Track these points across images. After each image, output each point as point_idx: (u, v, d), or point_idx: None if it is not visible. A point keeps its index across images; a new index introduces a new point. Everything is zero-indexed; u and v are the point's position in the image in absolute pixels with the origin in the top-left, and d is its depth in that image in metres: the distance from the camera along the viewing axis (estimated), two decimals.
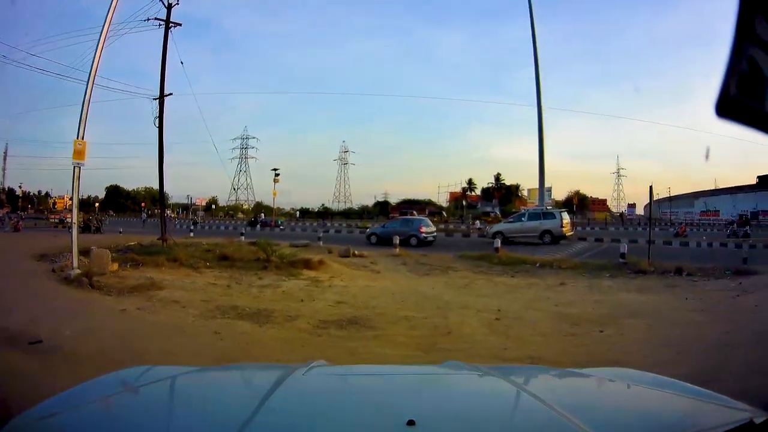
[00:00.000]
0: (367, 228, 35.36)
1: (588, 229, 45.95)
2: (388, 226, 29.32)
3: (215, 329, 8.02)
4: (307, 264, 14.71)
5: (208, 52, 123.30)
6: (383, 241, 25.53)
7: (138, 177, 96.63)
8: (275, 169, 51.25)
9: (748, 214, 65.40)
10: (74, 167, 12.62)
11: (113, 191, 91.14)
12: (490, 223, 61.89)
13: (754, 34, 1.02)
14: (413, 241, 25.85)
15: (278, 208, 78.84)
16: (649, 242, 17.91)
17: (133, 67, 79.74)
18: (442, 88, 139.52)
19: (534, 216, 28.03)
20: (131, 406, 1.69)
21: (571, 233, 28.44)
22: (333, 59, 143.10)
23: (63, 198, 73.67)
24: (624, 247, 17.88)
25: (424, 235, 26.76)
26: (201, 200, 73.74)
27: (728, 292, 12.22)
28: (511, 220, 29.99)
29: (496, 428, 1.47)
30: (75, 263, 12.52)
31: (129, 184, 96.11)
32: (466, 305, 10.55)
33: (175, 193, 76.38)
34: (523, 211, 31.00)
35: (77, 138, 12.77)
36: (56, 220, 41.49)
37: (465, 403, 1.70)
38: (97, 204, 76.14)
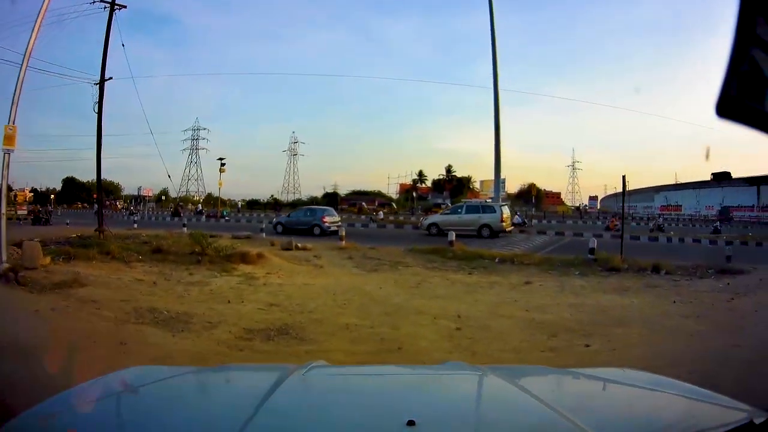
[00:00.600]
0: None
1: (545, 222, 45.03)
2: (293, 216, 29.69)
3: (123, 338, 6.95)
4: (244, 258, 13.47)
5: (161, 43, 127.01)
6: (289, 230, 26.08)
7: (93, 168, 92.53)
8: (221, 159, 50.58)
9: (716, 210, 66.86)
10: (4, 154, 11.78)
11: (69, 183, 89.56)
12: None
13: (754, 35, 1.03)
14: (316, 230, 26.35)
15: (230, 199, 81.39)
16: (621, 236, 16.52)
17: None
18: (394, 80, 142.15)
19: (472, 209, 27.43)
20: (131, 406, 1.69)
21: (511, 228, 27.87)
22: (284, 50, 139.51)
23: (24, 191, 74.89)
24: (593, 242, 16.37)
25: (327, 225, 27.16)
26: (149, 191, 74.08)
27: (719, 294, 11.04)
28: (448, 212, 29.17)
29: (496, 428, 1.46)
30: (4, 257, 11.61)
31: (86, 176, 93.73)
32: (420, 310, 9.18)
33: (130, 184, 78.93)
34: (462, 203, 30.06)
35: (8, 123, 12.03)
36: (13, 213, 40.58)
37: (465, 403, 1.73)
38: (53, 196, 76.25)
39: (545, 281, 12.51)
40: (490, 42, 30.56)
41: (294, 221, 27.80)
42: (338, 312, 8.93)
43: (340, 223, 28.16)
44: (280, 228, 27.58)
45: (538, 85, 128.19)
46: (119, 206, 69.77)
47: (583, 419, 1.32)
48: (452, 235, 18.44)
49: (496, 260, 15.52)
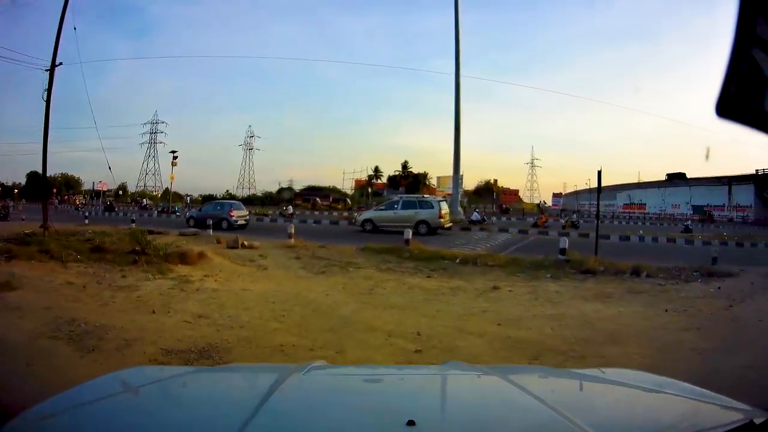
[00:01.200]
0: (265, 214, 37.45)
1: (504, 219, 44.02)
2: (203, 210, 30.25)
3: (31, 355, 6.11)
4: (183, 258, 12.29)
5: (122, 33, 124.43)
6: (199, 224, 25.43)
7: (60, 163, 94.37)
8: (173, 152, 48.67)
9: (686, 209, 67.18)
10: None
11: (34, 177, 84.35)
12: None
13: (754, 35, 1.06)
14: (224, 224, 26.38)
15: (187, 194, 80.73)
16: (596, 235, 15.34)
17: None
18: (352, 75, 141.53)
19: (409, 204, 26.41)
20: (131, 406, 1.70)
21: (450, 224, 27.01)
22: (244, 42, 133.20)
23: None
24: (565, 242, 15.09)
25: (234, 218, 27.59)
26: (103, 185, 72.14)
27: (713, 300, 9.82)
28: (383, 207, 27.97)
29: (496, 428, 1.47)
30: None
31: (51, 170, 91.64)
32: (372, 324, 7.83)
33: (93, 178, 75.50)
34: (396, 198, 29.12)
35: None
36: None
37: (465, 403, 1.74)
38: (16, 191, 75.80)
39: (515, 286, 11.11)
40: (453, 37, 30.55)
41: (204, 215, 27.73)
42: (274, 328, 7.63)
43: (248, 217, 29.42)
44: (192, 222, 27.48)
45: (497, 84, 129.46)
46: (78, 201, 68.49)
47: (583, 419, 1.32)
48: (408, 233, 16.83)
49: (457, 261, 14.04)
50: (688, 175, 73.42)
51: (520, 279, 12.05)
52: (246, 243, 16.15)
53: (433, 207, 25.59)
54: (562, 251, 14.55)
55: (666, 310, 8.85)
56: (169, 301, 8.96)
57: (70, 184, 73.84)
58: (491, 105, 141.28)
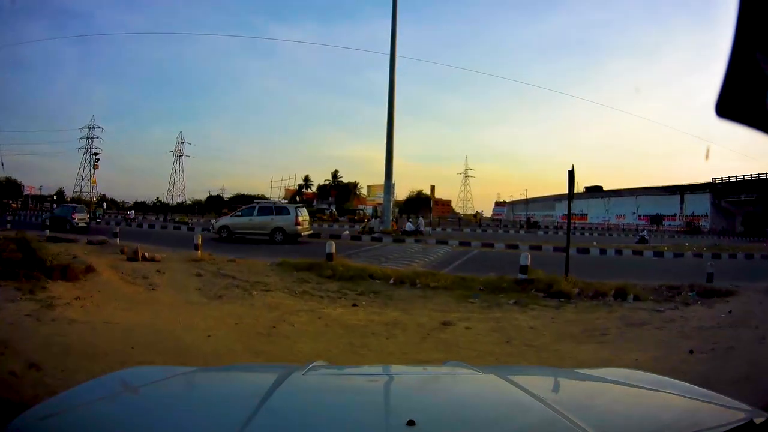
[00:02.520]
0: (184, 222, 38.38)
1: (440, 230, 41.70)
2: (56, 212, 32.30)
3: None
4: (66, 272, 10.00)
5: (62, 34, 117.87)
6: (54, 224, 26.79)
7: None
8: (95, 154, 48.14)
9: (634, 218, 67.98)
10: None
11: None
12: (324, 221, 57.83)
13: (754, 36, 1.07)
14: (68, 225, 27.82)
15: (123, 201, 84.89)
16: (567, 250, 12.79)
17: None
18: (285, 85, 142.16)
19: (265, 210, 25.25)
20: (131, 406, 1.68)
21: (309, 231, 25.82)
22: (177, 50, 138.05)
23: None
24: (526, 257, 12.22)
25: (75, 221, 29.10)
26: (30, 189, 72.81)
27: (734, 330, 7.61)
28: (239, 213, 26.69)
29: (496, 428, 1.46)
30: None
31: None
32: None
33: (34, 183, 79.21)
34: (254, 203, 27.62)
35: None
36: None
37: (465, 403, 1.71)
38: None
39: (471, 318, 8.50)
40: (389, 40, 30.31)
41: (56, 217, 29.97)
42: None
43: (88, 220, 31.75)
44: (48, 222, 28.26)
45: (430, 97, 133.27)
46: (15, 206, 67.61)
47: (583, 419, 1.31)
48: (331, 247, 13.74)
49: (391, 281, 11.25)
50: (635, 185, 75.37)
51: (475, 307, 9.53)
52: (147, 255, 13.74)
53: (289, 213, 24.60)
54: (523, 269, 11.88)
55: (691, 352, 6.38)
56: (12, 335, 6.50)
57: (12, 188, 73.48)
58: (423, 117, 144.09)
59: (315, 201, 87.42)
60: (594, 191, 75.81)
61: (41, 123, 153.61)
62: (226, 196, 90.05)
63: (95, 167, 45.24)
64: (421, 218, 36.21)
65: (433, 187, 36.11)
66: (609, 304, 9.64)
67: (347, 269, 12.14)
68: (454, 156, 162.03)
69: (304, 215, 25.43)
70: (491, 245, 24.74)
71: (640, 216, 71.98)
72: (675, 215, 67.51)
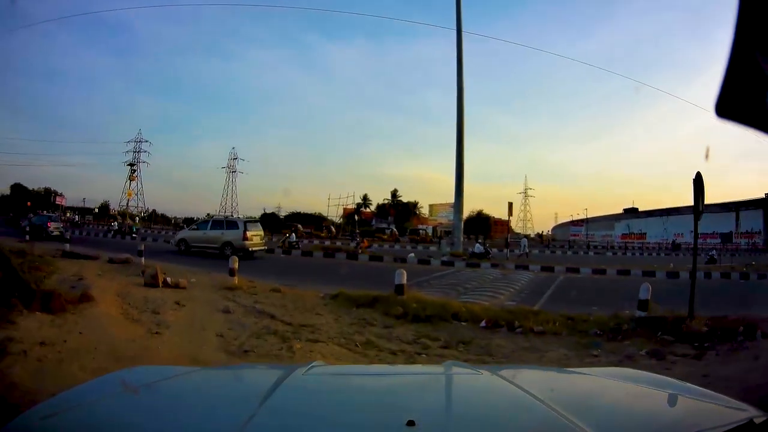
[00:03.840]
0: None
1: (507, 251, 38.58)
2: (33, 221, 33.98)
3: None
4: (49, 301, 7.83)
5: (108, 51, 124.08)
6: (32, 233, 28.49)
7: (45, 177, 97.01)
8: (131, 165, 44.65)
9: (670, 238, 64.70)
10: None
11: (17, 189, 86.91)
12: (385, 240, 55.71)
13: (754, 35, 1.06)
14: (43, 234, 29.65)
15: (174, 217, 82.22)
16: (693, 274, 10.14)
17: None
18: (341, 103, 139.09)
19: (217, 224, 25.43)
20: (131, 406, 1.68)
21: (262, 247, 25.71)
22: (230, 70, 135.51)
23: None
24: (647, 291, 9.60)
25: (51, 229, 31.66)
26: (62, 200, 71.70)
27: None
28: (195, 227, 27.20)
29: (496, 428, 1.47)
30: None
31: (36, 183, 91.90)
32: None
33: (76, 196, 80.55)
34: (209, 217, 29.83)
35: None
36: None
37: (465, 403, 1.76)
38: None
39: None
40: (455, 53, 28.95)
41: (33, 225, 31.72)
42: None
43: (62, 229, 32.89)
44: (27, 228, 30.13)
45: (486, 116, 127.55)
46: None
47: (583, 419, 1.31)
48: (401, 277, 11.01)
49: (483, 324, 8.84)
50: (684, 204, 71.25)
51: (601, 363, 6.97)
52: (170, 280, 11.69)
53: (238, 228, 24.43)
54: (643, 305, 9.39)
55: None
56: None
57: (50, 200, 71.16)
58: (479, 135, 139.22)
59: (374, 220, 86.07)
60: (631, 212, 76.58)
61: (89, 136, 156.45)
62: (282, 213, 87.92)
63: (131, 179, 44.29)
64: (479, 242, 33.85)
65: (510, 205, 32.85)
66: (745, 347, 7.55)
67: (422, 306, 9.65)
68: (509, 175, 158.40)
69: (255, 231, 25.26)
70: (576, 270, 22.07)
71: (720, 234, 68.14)
72: (730, 232, 64.11)
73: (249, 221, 26.27)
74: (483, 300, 11.96)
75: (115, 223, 54.27)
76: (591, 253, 48.06)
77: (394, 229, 67.82)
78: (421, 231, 64.81)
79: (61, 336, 6.55)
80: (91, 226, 57.23)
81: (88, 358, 5.92)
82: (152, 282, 11.31)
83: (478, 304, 10.50)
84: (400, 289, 10.59)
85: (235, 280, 12.29)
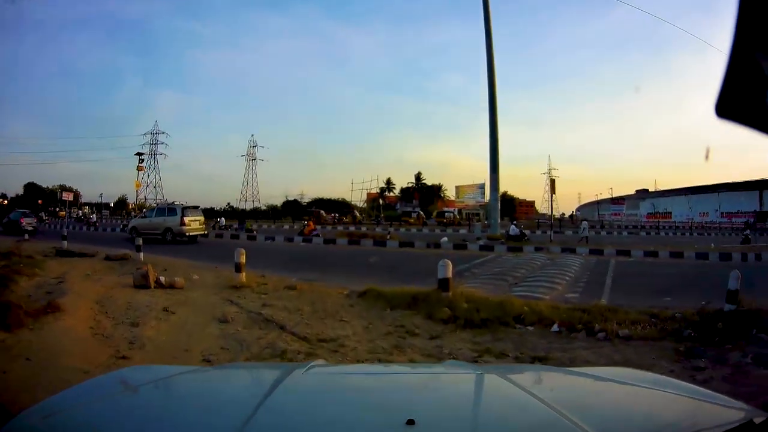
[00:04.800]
0: (250, 229, 35.77)
1: (540, 233, 35.71)
2: (11, 217, 33.76)
3: None
4: (5, 314, 6.55)
5: (124, 44, 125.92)
6: (9, 227, 30.14)
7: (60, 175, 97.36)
8: (139, 154, 43.47)
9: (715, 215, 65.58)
10: None
11: (31, 188, 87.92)
12: (411, 224, 53.97)
13: (754, 35, 1.03)
14: (18, 230, 29.04)
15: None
16: None
17: None
18: (363, 91, 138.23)
19: (160, 211, 27.19)
20: (131, 406, 1.66)
21: (202, 232, 26.80)
22: (249, 58, 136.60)
23: None
24: (736, 279, 8.04)
25: (24, 225, 30.40)
26: (69, 195, 69.93)
27: None
28: (144, 214, 29.52)
29: (496, 428, 1.44)
30: None
31: (49, 182, 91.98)
32: None
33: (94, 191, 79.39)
34: (156, 205, 31.39)
35: None
36: None
37: (465, 403, 1.72)
38: (5, 202, 74.71)
39: None
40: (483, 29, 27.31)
41: (9, 221, 31.94)
42: None
43: (35, 224, 31.78)
44: (4, 225, 31.23)
45: (508, 97, 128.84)
46: (63, 213, 67.40)
47: (583, 419, 1.29)
48: (446, 269, 9.00)
49: (555, 327, 7.20)
50: (713, 182, 72.73)
51: (715, 373, 5.71)
52: (164, 280, 10.21)
53: (176, 214, 25.51)
54: (732, 296, 7.92)
55: None
56: None
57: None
58: (501, 116, 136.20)
59: (398, 204, 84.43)
60: (643, 193, 77.10)
61: (109, 132, 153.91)
62: (305, 200, 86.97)
63: (139, 169, 42.45)
64: (514, 223, 31.16)
65: (553, 182, 31.13)
66: None
67: (475, 306, 7.92)
68: (532, 156, 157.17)
69: (193, 216, 26.29)
70: (627, 253, 20.17)
71: (722, 213, 68.91)
72: (754, 212, 62.74)
73: (187, 208, 26.88)
74: (540, 293, 10.34)
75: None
76: (625, 233, 46.20)
77: (421, 213, 66.19)
78: (447, 213, 62.41)
79: (1, 364, 5.17)
80: (105, 221, 56.64)
81: (27, 398, 4.40)
82: (143, 282, 9.86)
83: (541, 301, 8.89)
84: (445, 284, 8.78)
85: (243, 276, 10.85)
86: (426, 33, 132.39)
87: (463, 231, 41.44)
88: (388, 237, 26.11)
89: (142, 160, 42.52)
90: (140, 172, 42.50)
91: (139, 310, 7.93)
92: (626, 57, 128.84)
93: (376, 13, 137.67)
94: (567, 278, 13.01)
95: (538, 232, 36.58)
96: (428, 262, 14.84)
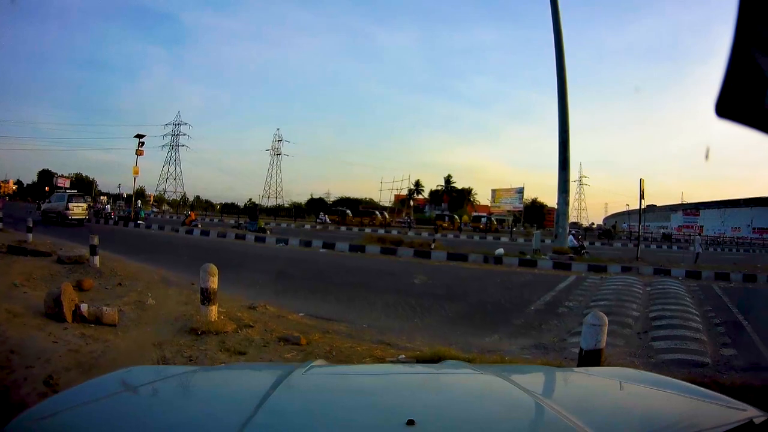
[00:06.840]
0: (261, 229, 32.33)
1: (588, 244, 32.25)
2: None
3: None
4: None
5: (151, 38, 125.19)
6: None
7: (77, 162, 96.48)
8: (139, 135, 40.58)
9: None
10: None
11: (45, 175, 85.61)
12: (445, 229, 50.39)
13: (754, 35, 1.02)
14: None
15: (218, 203, 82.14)
16: None
17: None
18: (393, 91, 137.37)
19: (59, 198, 31.62)
20: (131, 406, 1.65)
21: (82, 217, 30.76)
22: (277, 52, 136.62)
23: (8, 182, 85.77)
24: None
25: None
26: (65, 181, 67.43)
27: None
28: (49, 201, 33.31)
29: (496, 428, 1.42)
30: None
31: (64, 169, 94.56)
32: None
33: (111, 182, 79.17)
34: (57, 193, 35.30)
35: None
36: None
37: (465, 403, 1.69)
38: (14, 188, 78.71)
39: None
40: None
41: None
42: None
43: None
44: None
45: (536, 103, 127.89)
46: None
47: (583, 419, 1.29)
48: (597, 335, 4.93)
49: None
50: (741, 196, 72.95)
51: None
52: (88, 311, 6.60)
53: (63, 201, 30.41)
54: None
55: None
56: None
57: (73, 184, 67.27)
58: (528, 121, 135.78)
59: (426, 207, 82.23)
60: (650, 207, 73.97)
61: (130, 121, 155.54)
62: (331, 199, 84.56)
63: (138, 153, 38.87)
64: (573, 233, 26.21)
65: (642, 181, 25.93)
66: None
67: None
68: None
69: (76, 203, 30.65)
70: (726, 277, 16.96)
71: (754, 229, 68.78)
72: None
73: (73, 195, 31.97)
74: (693, 353, 7.12)
75: (108, 206, 51.42)
76: (674, 248, 43.64)
77: (456, 217, 62.03)
78: (483, 219, 56.79)
79: None
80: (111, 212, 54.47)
81: None
82: (55, 311, 6.43)
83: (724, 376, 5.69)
84: (595, 357, 4.93)
85: (212, 312, 6.87)
86: (457, 34, 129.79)
87: (504, 239, 38.24)
88: (433, 246, 21.45)
89: (143, 143, 38.98)
90: (140, 156, 38.81)
91: (15, 373, 4.37)
92: (650, 66, 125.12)
93: (408, 11, 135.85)
94: (698, 319, 9.50)
95: (586, 243, 32.99)
96: (500, 288, 12.06)
